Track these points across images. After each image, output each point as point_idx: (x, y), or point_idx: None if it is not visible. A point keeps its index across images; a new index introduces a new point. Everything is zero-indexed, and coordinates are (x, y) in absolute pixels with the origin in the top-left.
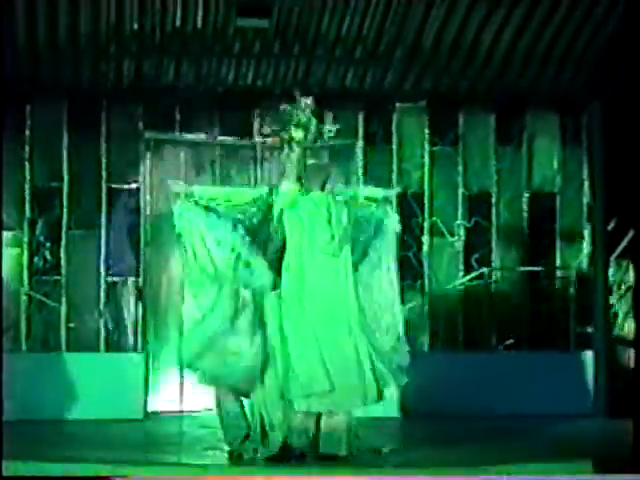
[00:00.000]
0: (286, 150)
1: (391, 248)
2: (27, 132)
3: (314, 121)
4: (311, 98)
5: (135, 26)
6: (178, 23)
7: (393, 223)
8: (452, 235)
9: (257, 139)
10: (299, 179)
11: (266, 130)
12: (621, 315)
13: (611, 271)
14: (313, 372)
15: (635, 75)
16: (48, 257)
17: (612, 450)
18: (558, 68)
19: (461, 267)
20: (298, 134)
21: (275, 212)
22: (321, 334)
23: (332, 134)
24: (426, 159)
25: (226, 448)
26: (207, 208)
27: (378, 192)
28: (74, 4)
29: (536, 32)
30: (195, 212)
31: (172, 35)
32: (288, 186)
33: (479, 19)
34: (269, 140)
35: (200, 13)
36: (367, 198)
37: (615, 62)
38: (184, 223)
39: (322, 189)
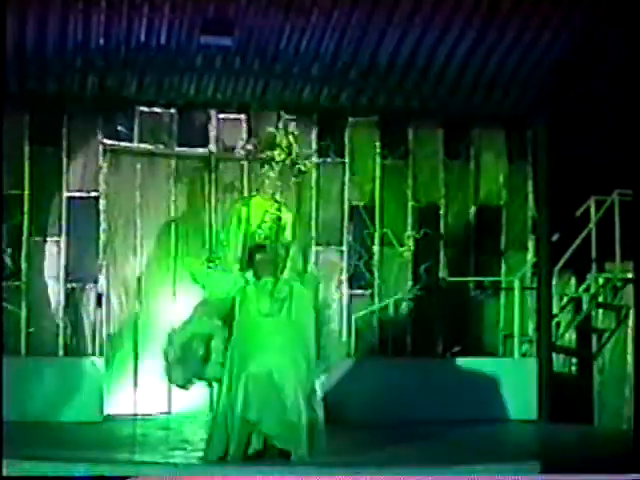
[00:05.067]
0: (266, 167)
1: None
2: None
3: (295, 146)
4: (294, 123)
5: (101, 41)
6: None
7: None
8: (402, 245)
9: (212, 148)
10: (273, 195)
11: (249, 146)
12: (563, 325)
13: (554, 282)
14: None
15: (580, 92)
16: (9, 263)
17: (558, 452)
18: (505, 88)
19: (410, 276)
20: (280, 155)
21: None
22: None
23: (310, 159)
24: (377, 172)
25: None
26: None
27: None
28: (42, 18)
29: (485, 54)
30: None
31: (136, 50)
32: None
33: (432, 41)
34: (244, 151)
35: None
36: None
37: (560, 83)
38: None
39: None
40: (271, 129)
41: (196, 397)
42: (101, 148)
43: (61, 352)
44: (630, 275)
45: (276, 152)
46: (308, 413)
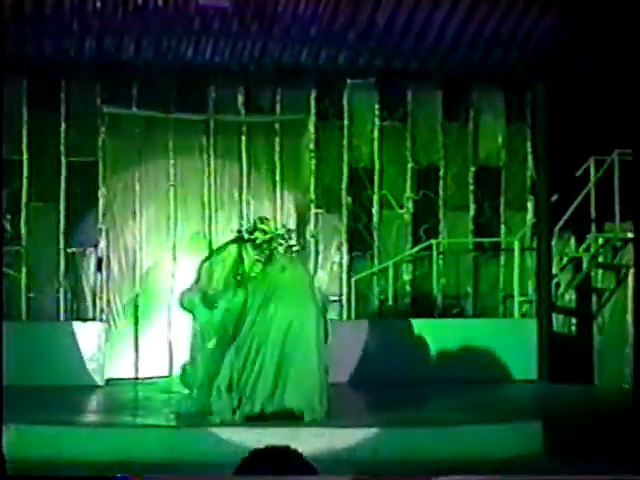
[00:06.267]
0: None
1: None
2: None
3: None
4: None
5: (98, 4)
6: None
7: None
8: (401, 207)
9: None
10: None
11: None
12: (563, 285)
13: (554, 242)
14: None
15: (579, 55)
16: (8, 228)
17: (559, 411)
18: (504, 50)
19: (410, 238)
20: (263, 252)
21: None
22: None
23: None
24: (376, 134)
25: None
26: None
27: None
28: None
29: (484, 15)
30: None
31: (134, 13)
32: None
33: (430, 1)
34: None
35: None
36: None
37: (558, 44)
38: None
39: None
40: (261, 225)
41: None
42: (100, 113)
43: (62, 317)
44: (630, 235)
45: (259, 235)
46: (323, 374)
